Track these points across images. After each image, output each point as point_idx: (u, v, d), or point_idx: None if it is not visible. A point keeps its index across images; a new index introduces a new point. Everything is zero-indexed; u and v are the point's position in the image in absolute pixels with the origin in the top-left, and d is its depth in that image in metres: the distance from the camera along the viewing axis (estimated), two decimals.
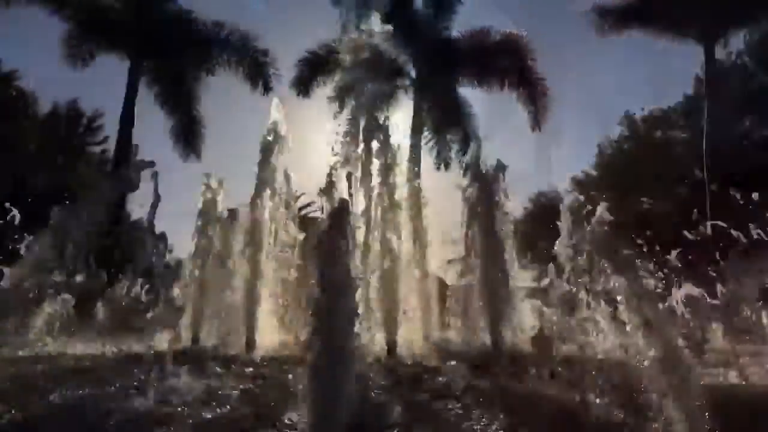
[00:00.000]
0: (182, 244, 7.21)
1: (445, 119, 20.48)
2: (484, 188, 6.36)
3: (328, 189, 5.42)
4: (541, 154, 51.50)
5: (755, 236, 8.39)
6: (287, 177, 6.62)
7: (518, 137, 47.05)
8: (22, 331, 5.82)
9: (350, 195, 6.07)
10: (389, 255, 5.70)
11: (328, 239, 2.40)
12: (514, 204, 6.63)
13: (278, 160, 6.52)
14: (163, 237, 8.55)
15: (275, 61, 19.15)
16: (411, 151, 17.79)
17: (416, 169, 7.66)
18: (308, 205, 18.17)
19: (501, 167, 6.47)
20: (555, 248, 4.82)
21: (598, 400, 2.85)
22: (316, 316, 2.30)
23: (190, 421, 2.86)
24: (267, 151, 6.49)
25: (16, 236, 6.89)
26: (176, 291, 7.13)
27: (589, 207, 4.21)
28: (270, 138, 6.52)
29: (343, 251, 2.42)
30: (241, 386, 3.56)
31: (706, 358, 5.26)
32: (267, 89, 19.00)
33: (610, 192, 28.79)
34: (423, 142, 19.93)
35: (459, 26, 20.18)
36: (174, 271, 7.73)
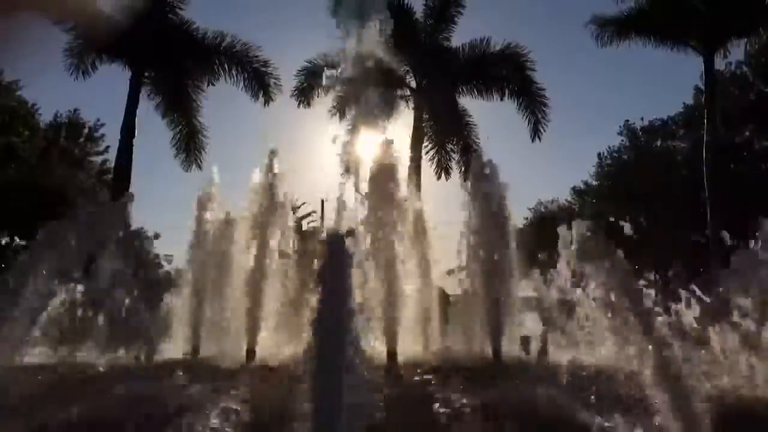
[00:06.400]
0: (182, 254, 7.17)
1: (445, 129, 20.49)
2: (485, 197, 6.36)
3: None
4: (541, 164, 51.53)
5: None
6: (287, 186, 6.62)
7: (518, 147, 47.17)
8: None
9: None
10: (390, 266, 5.69)
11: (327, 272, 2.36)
12: (514, 213, 6.62)
13: (279, 170, 6.52)
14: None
15: (276, 71, 19.22)
16: (411, 161, 17.78)
17: (417, 178, 7.66)
18: (308, 214, 18.13)
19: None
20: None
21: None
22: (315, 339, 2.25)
23: None
24: (267, 160, 6.50)
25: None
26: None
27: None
28: (269, 149, 6.54)
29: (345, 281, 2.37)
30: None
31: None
32: (268, 99, 19.05)
33: (610, 201, 28.90)
34: (423, 151, 19.94)
35: (459, 36, 20.27)
36: (169, 281, 7.67)
